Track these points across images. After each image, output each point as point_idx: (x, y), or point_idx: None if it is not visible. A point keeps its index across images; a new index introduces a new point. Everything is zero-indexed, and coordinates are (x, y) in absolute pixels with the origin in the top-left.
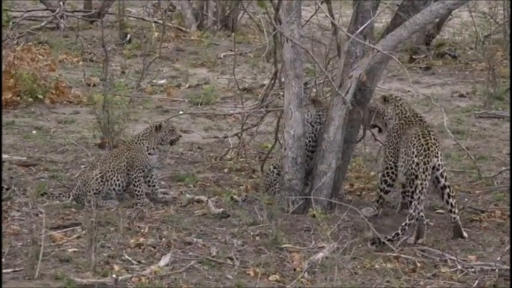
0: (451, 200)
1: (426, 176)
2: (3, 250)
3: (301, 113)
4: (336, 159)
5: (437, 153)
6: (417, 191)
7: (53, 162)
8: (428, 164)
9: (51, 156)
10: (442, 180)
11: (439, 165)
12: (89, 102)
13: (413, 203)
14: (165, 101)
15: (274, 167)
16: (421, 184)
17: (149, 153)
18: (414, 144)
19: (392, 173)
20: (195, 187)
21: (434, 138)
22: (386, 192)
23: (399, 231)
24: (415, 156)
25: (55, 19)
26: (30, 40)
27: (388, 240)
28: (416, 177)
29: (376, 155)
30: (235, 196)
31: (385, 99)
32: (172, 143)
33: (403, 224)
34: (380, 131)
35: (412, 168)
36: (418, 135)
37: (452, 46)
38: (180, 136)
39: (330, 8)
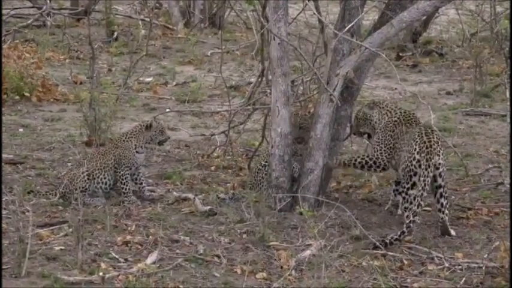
0: (442, 199)
1: (428, 173)
2: None
3: (288, 111)
4: (323, 156)
5: (439, 151)
6: (420, 188)
7: (40, 160)
8: (430, 161)
9: (38, 154)
10: (439, 180)
11: (439, 164)
12: (76, 100)
13: (416, 200)
14: (152, 99)
15: (263, 165)
16: (424, 181)
17: (137, 152)
18: (417, 142)
19: (380, 165)
20: (182, 185)
21: (437, 137)
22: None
23: (405, 229)
24: (417, 153)
25: (42, 17)
26: (16, 38)
27: (395, 240)
28: (415, 173)
29: (363, 152)
30: (221, 194)
31: (371, 105)
32: (160, 143)
33: (407, 221)
34: (369, 137)
35: (412, 165)
36: (422, 133)
37: (439, 44)
38: (169, 137)
39: (317, 6)
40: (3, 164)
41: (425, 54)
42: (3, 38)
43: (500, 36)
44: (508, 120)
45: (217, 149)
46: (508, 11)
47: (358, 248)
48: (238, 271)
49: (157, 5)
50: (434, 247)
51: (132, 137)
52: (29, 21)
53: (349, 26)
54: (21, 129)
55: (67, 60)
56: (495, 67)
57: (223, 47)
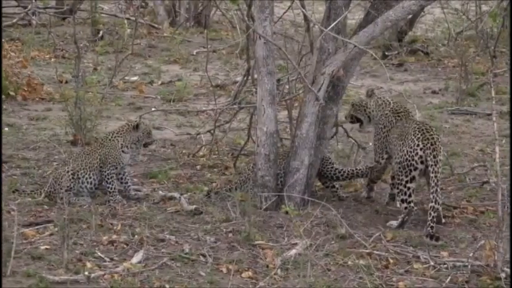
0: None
1: (438, 168)
2: None
3: (274, 110)
4: (309, 155)
5: (441, 148)
6: (433, 184)
7: (25, 159)
8: (437, 157)
9: (23, 153)
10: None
11: (440, 159)
12: (61, 99)
13: (432, 196)
14: (138, 98)
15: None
16: (436, 177)
17: (123, 151)
18: (419, 138)
19: (381, 167)
20: (168, 184)
21: (436, 133)
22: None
23: (431, 223)
24: (420, 150)
25: (27, 16)
26: (2, 37)
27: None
28: (416, 169)
29: (349, 151)
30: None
31: (369, 93)
32: (146, 145)
33: (429, 218)
34: (361, 125)
35: (413, 160)
36: (422, 130)
37: (425, 43)
38: (155, 140)
39: (303, 5)
40: None
41: (411, 53)
42: None
43: (485, 35)
44: (494, 118)
45: (203, 148)
46: (492, 11)
47: (343, 246)
48: (224, 270)
49: (143, 3)
50: (419, 246)
51: (118, 136)
52: (14, 20)
53: (334, 23)
54: (6, 128)
55: (52, 59)
56: (480, 66)
57: (208, 46)
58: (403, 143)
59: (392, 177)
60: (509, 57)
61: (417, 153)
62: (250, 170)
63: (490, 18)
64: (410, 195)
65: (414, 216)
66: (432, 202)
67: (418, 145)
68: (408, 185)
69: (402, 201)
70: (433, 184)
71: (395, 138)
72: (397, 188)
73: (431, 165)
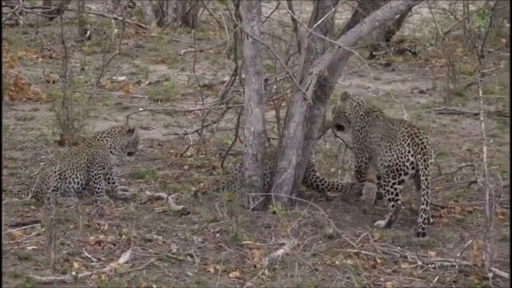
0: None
1: (429, 171)
2: None
3: (261, 110)
4: (296, 155)
5: (431, 151)
6: (424, 186)
7: (12, 160)
8: (428, 161)
9: (10, 153)
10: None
11: (431, 162)
12: (49, 99)
13: (423, 198)
14: (125, 98)
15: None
16: (427, 180)
17: (111, 152)
18: (409, 143)
19: (365, 168)
20: (155, 184)
21: (425, 137)
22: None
23: (422, 225)
24: (411, 156)
25: (14, 15)
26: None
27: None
28: (406, 173)
29: (336, 151)
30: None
31: (343, 97)
32: (129, 153)
33: (420, 220)
34: (343, 129)
35: (404, 165)
36: (411, 134)
37: (413, 42)
38: (137, 152)
39: (290, 5)
40: None
41: (399, 53)
42: None
43: (473, 35)
44: (482, 118)
45: (191, 148)
46: (480, 9)
47: (331, 246)
48: (212, 270)
49: (130, 3)
50: (407, 245)
51: (108, 137)
52: (1, 20)
53: (320, 20)
54: None
55: (40, 59)
56: (468, 66)
57: (196, 46)
58: (390, 146)
59: (378, 177)
60: (496, 57)
61: (408, 159)
62: (238, 170)
63: (478, 16)
64: (397, 195)
65: (401, 216)
66: (423, 204)
67: (409, 151)
68: (396, 186)
69: (389, 200)
70: (423, 187)
71: (379, 138)
72: (384, 189)
73: (422, 169)
